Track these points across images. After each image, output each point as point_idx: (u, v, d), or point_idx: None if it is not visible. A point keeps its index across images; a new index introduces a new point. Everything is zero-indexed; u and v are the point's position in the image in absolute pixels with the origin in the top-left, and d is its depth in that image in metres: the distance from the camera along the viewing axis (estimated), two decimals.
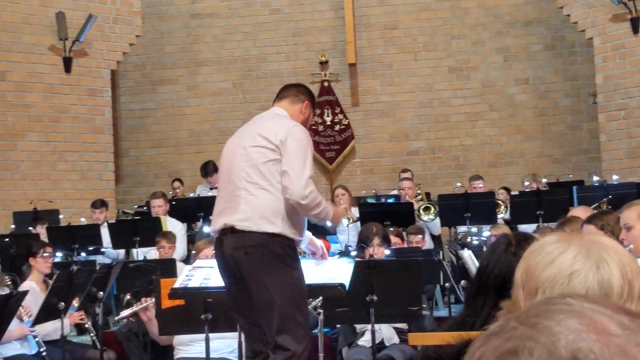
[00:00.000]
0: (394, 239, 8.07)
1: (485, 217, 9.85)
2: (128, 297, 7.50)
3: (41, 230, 9.88)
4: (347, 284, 4.96)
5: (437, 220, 10.24)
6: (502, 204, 10.41)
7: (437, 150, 13.92)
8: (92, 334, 7.55)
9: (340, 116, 13.84)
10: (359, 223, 9.72)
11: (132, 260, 9.05)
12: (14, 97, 11.64)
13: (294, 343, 4.57)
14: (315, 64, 13.98)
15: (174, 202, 11.13)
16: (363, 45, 14.05)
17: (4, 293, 6.66)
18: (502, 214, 10.32)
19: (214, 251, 5.13)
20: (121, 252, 10.34)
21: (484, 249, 7.09)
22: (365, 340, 6.69)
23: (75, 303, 7.22)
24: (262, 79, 14.17)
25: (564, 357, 0.86)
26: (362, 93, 14.09)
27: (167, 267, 7.85)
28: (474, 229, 9.97)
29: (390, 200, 10.94)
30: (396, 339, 6.76)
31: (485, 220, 9.84)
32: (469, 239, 9.29)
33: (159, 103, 14.45)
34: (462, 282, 7.28)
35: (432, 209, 10.19)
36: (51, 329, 7.15)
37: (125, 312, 7.44)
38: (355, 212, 10.38)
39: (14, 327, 6.71)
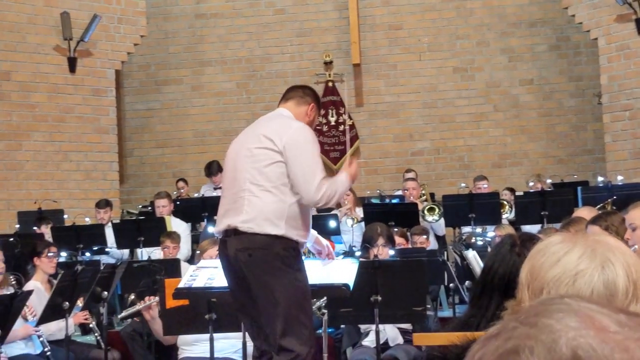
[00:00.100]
0: (398, 240, 8.07)
1: (489, 217, 9.84)
2: (132, 297, 7.50)
3: (46, 230, 9.89)
4: (351, 284, 4.95)
5: (442, 221, 10.24)
6: (506, 204, 10.40)
7: (441, 150, 13.91)
8: (96, 334, 7.55)
9: (345, 116, 13.84)
10: (363, 223, 9.73)
11: (137, 260, 9.06)
12: (19, 97, 11.66)
13: (298, 345, 4.56)
14: (320, 64, 13.98)
15: (178, 202, 11.14)
16: (367, 45, 14.05)
17: (8, 293, 6.67)
18: (507, 215, 10.31)
19: (218, 251, 5.12)
20: (125, 252, 10.35)
21: (489, 249, 7.10)
22: (369, 341, 6.69)
23: (80, 303, 7.22)
24: (266, 79, 14.17)
25: (564, 354, 0.87)
26: (366, 93, 14.09)
27: (172, 267, 7.87)
28: (479, 230, 9.97)
29: (394, 201, 10.93)
30: (400, 340, 6.76)
31: (489, 221, 9.83)
32: (473, 240, 9.28)
33: (163, 103, 14.46)
34: (467, 282, 7.28)
35: (437, 209, 10.18)
36: (55, 328, 7.16)
37: (128, 311, 7.45)
38: (359, 212, 10.38)
39: (19, 326, 6.71)
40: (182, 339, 6.83)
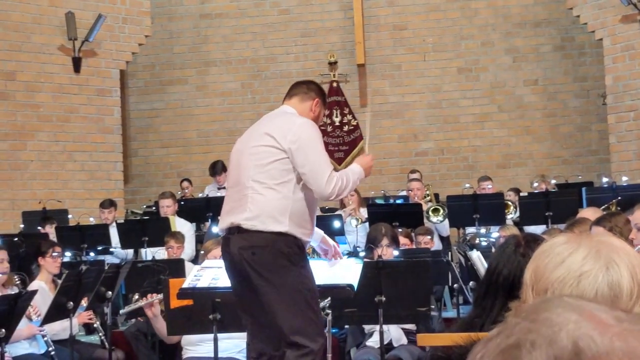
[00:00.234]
0: (402, 240, 8.07)
1: (494, 218, 9.84)
2: (136, 296, 7.51)
3: (50, 230, 9.90)
4: (355, 284, 4.95)
5: (446, 222, 10.23)
6: (511, 205, 10.39)
7: (445, 151, 13.91)
8: (100, 334, 7.56)
9: (349, 117, 13.83)
10: (367, 224, 9.73)
11: (141, 260, 9.06)
12: (24, 96, 11.68)
13: (308, 341, 4.56)
14: (324, 65, 13.97)
15: (182, 202, 11.15)
16: (372, 45, 14.05)
17: (13, 292, 6.68)
18: (511, 215, 10.30)
19: (221, 249, 5.11)
20: (130, 252, 10.35)
21: (493, 250, 7.09)
22: (373, 341, 6.69)
23: (84, 303, 7.23)
24: (271, 80, 14.18)
25: (565, 346, 0.88)
26: (370, 94, 14.08)
27: (176, 267, 7.87)
28: (483, 230, 9.97)
29: (398, 201, 10.93)
30: (404, 340, 6.76)
31: (494, 222, 9.83)
32: (477, 240, 9.28)
33: (168, 103, 14.47)
34: (471, 283, 7.27)
35: (441, 210, 10.17)
36: (60, 328, 7.16)
37: (130, 307, 7.46)
38: (363, 212, 10.39)
39: (23, 326, 6.72)
40: (186, 339, 6.84)
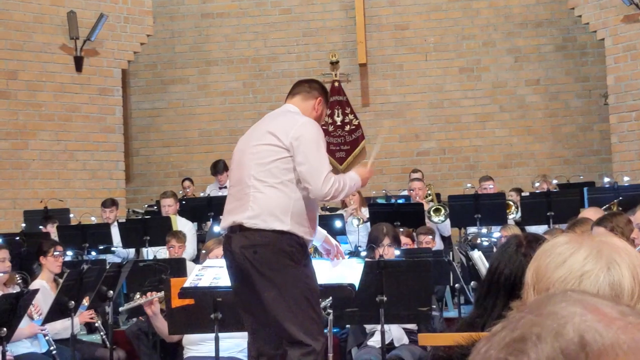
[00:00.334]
0: (404, 240, 8.07)
1: (495, 218, 9.84)
2: (138, 296, 7.51)
3: (51, 229, 9.90)
4: (356, 284, 4.95)
5: (448, 222, 10.23)
6: (512, 204, 10.39)
7: (447, 150, 13.91)
8: (102, 333, 7.56)
9: (351, 116, 13.84)
10: (369, 223, 9.74)
11: (142, 260, 9.07)
12: (25, 96, 11.68)
13: (310, 339, 4.55)
14: (326, 64, 13.98)
15: (184, 202, 11.15)
16: (374, 45, 14.05)
17: (14, 291, 6.68)
18: (513, 215, 10.30)
19: (222, 248, 5.11)
20: (131, 251, 10.36)
21: (494, 250, 7.08)
22: (374, 341, 6.69)
23: (86, 302, 7.23)
24: (272, 79, 14.18)
25: (571, 339, 0.88)
26: (372, 93, 14.08)
27: (177, 267, 7.87)
28: (484, 230, 9.96)
29: (400, 201, 10.92)
30: (406, 340, 6.76)
31: (495, 221, 9.83)
32: (479, 240, 9.27)
33: (169, 102, 14.48)
34: (472, 283, 7.26)
35: (443, 210, 10.17)
36: (61, 327, 7.17)
37: (130, 304, 7.46)
38: (365, 212, 10.39)
39: (25, 325, 6.72)
40: (188, 339, 6.84)
